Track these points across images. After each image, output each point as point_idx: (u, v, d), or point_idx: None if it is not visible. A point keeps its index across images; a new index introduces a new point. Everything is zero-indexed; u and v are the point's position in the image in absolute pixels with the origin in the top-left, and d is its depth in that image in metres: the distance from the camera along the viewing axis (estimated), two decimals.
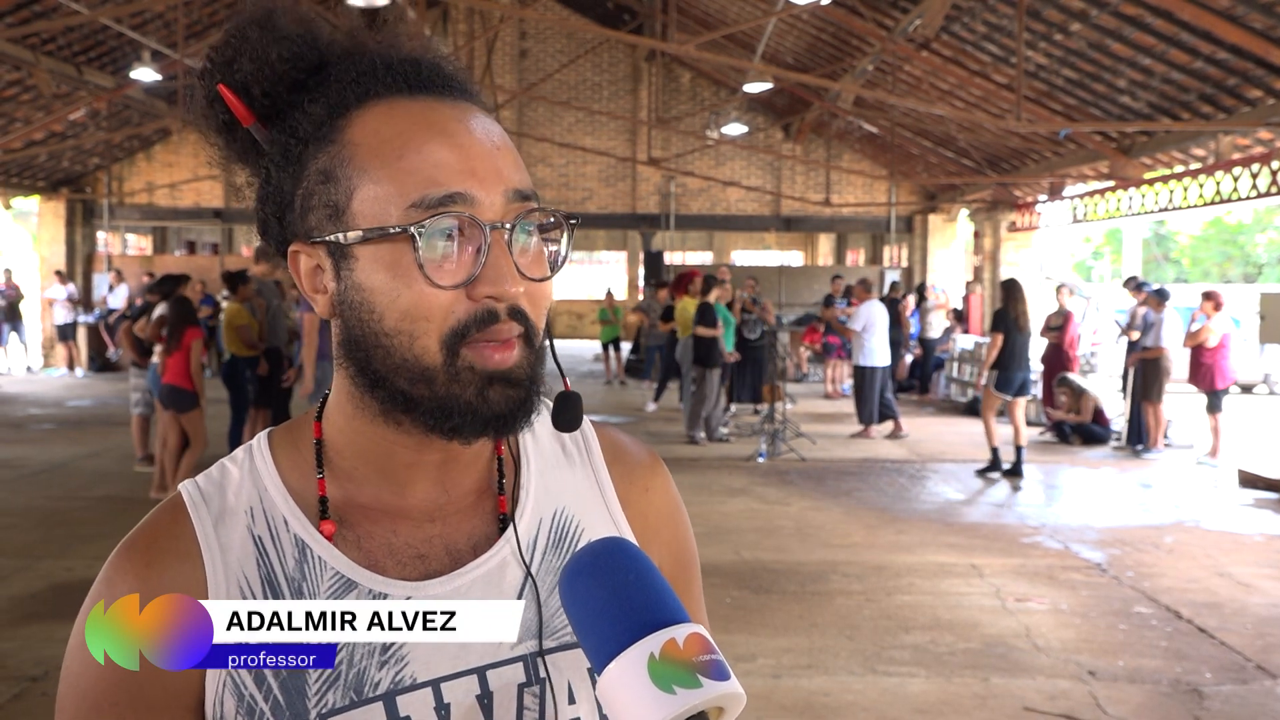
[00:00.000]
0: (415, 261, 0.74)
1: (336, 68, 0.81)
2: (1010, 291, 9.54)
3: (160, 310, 8.26)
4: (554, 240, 0.82)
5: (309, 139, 0.79)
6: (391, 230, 0.75)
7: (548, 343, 0.82)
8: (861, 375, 11.40)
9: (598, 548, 0.72)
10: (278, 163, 0.80)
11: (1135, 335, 10.99)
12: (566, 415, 0.84)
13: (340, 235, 0.77)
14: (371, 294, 0.77)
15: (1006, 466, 9.40)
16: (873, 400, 11.40)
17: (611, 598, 0.69)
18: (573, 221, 0.82)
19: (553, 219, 0.81)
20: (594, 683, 0.68)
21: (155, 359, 8.29)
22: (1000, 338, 9.32)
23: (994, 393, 9.38)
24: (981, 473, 9.48)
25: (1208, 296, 10.53)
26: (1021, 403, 9.42)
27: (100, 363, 17.70)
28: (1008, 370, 9.33)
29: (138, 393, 8.98)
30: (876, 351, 11.30)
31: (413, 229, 0.74)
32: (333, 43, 0.82)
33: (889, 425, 11.65)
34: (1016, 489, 8.97)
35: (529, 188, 0.79)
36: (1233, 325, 10.55)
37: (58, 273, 18.01)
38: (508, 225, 0.76)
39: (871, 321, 11.30)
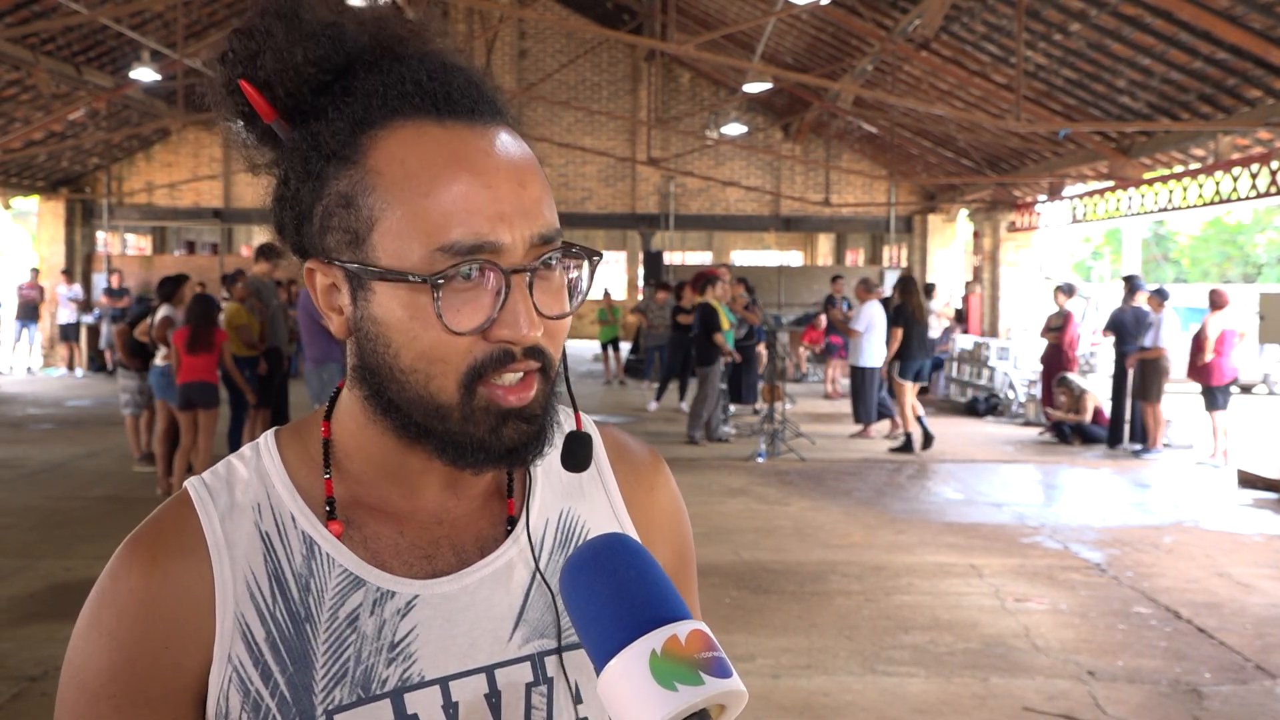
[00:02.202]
0: (434, 310, 0.74)
1: (363, 77, 0.78)
2: (906, 287, 10.70)
3: (164, 312, 8.26)
4: (575, 266, 0.81)
5: (331, 155, 0.77)
6: (411, 278, 0.74)
7: (562, 371, 0.82)
8: (860, 376, 11.39)
9: (599, 543, 0.72)
10: (298, 172, 0.78)
11: (1110, 335, 11.33)
12: (576, 457, 0.84)
13: (357, 266, 0.76)
14: (388, 329, 0.76)
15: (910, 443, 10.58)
16: (872, 400, 11.42)
17: (613, 593, 0.68)
18: (596, 258, 0.81)
19: (575, 250, 0.80)
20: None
21: (159, 361, 8.29)
22: (900, 331, 10.51)
23: (900, 380, 10.65)
24: (897, 450, 10.59)
25: (1210, 295, 10.56)
26: (915, 388, 10.77)
27: (99, 363, 17.74)
28: (911, 359, 10.54)
29: (126, 393, 8.98)
30: (874, 352, 11.32)
31: (431, 280, 0.73)
32: (360, 43, 0.79)
33: (886, 424, 11.66)
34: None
35: (554, 228, 0.78)
36: (1234, 323, 10.58)
37: (65, 272, 18.08)
38: (529, 269, 0.75)
39: (872, 322, 11.33)
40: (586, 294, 0.82)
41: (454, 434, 0.77)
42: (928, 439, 10.65)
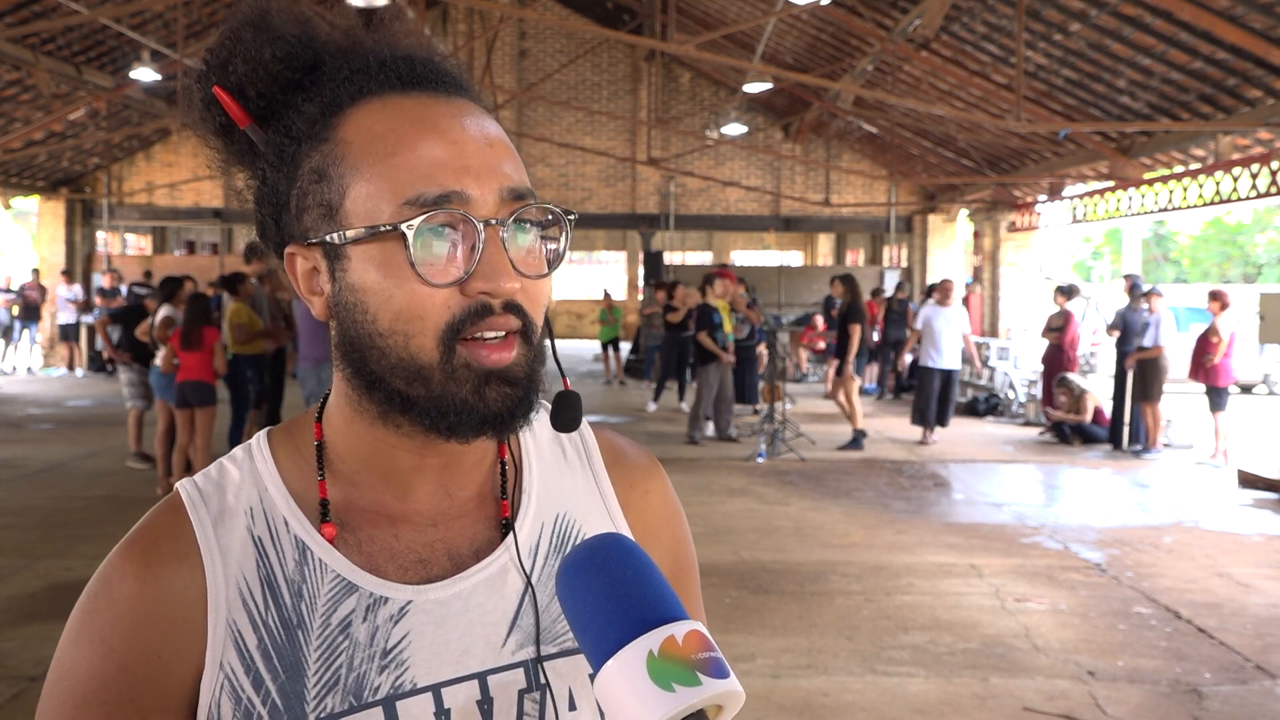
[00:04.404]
0: (407, 260, 0.73)
1: (330, 66, 0.80)
2: (853, 286, 10.99)
3: (164, 312, 8.27)
4: (552, 238, 0.81)
5: (303, 138, 0.78)
6: (382, 229, 0.74)
7: (547, 340, 0.81)
8: (921, 376, 11.18)
9: (594, 544, 0.71)
10: (273, 163, 0.79)
11: (1115, 334, 11.27)
12: (565, 415, 0.83)
13: (333, 235, 0.76)
14: (365, 294, 0.76)
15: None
16: (929, 403, 11.14)
17: (609, 594, 0.68)
18: (570, 217, 0.81)
19: (550, 215, 0.79)
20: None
21: (158, 361, 8.30)
22: (858, 328, 10.71)
23: (855, 376, 10.81)
24: (846, 447, 10.66)
25: (1214, 296, 10.53)
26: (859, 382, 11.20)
27: (99, 363, 17.76)
28: (861, 355, 10.84)
29: (128, 387, 9.00)
30: (931, 353, 11.09)
31: (403, 227, 0.73)
32: (328, 42, 0.81)
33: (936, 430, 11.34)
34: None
35: (525, 185, 0.78)
36: (1237, 324, 10.57)
37: (64, 273, 18.10)
38: (503, 222, 0.75)
39: (930, 323, 11.07)
40: (563, 258, 0.81)
41: (436, 397, 0.76)
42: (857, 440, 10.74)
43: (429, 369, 0.75)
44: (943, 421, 11.28)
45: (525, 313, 0.77)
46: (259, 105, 0.80)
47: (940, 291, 11.31)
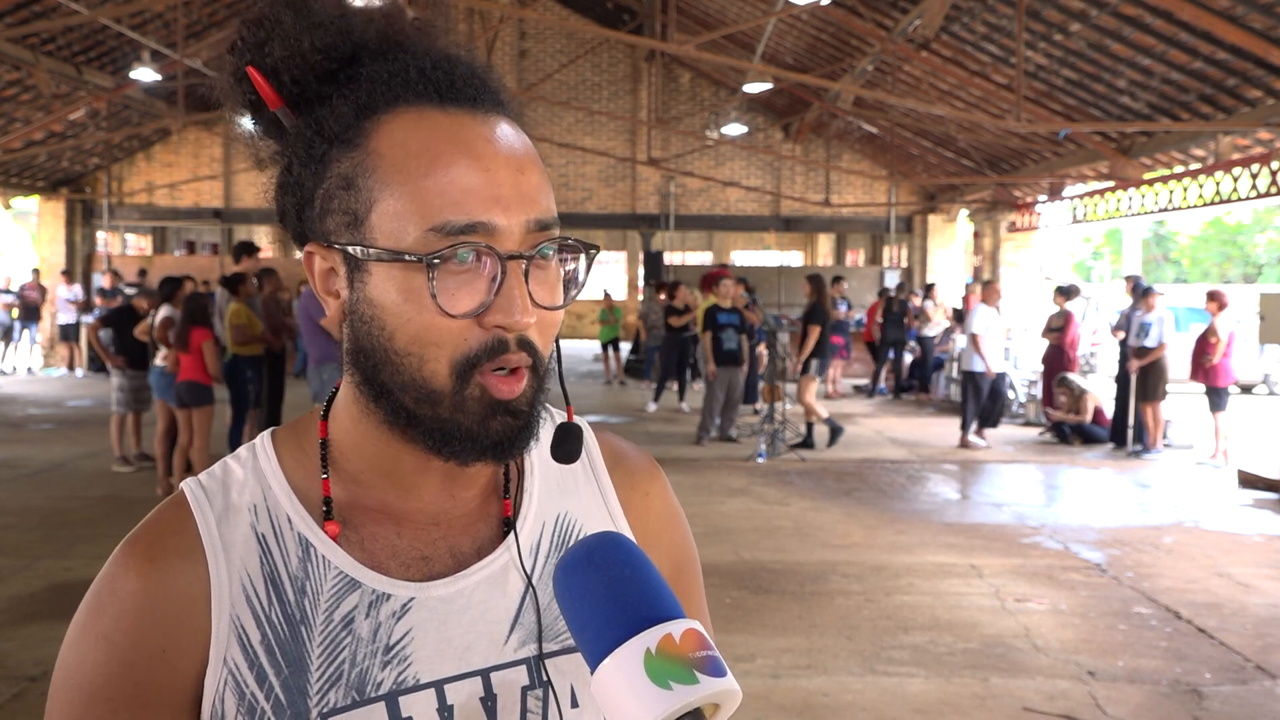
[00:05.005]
0: (428, 290, 0.74)
1: (369, 65, 0.79)
2: (820, 286, 10.98)
3: (164, 312, 8.27)
4: (572, 259, 0.81)
5: (334, 139, 0.77)
6: (407, 258, 0.74)
7: (555, 366, 0.82)
8: (970, 380, 11.02)
9: (592, 542, 0.72)
10: (301, 158, 0.79)
11: (1121, 335, 11.24)
12: (566, 448, 0.84)
13: (355, 249, 0.76)
14: (383, 311, 0.76)
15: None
16: (977, 407, 11.01)
17: (607, 592, 0.68)
18: (593, 251, 0.81)
19: (571, 241, 0.80)
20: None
21: (159, 361, 8.32)
22: (818, 330, 10.68)
23: (815, 378, 10.90)
24: (830, 444, 10.67)
25: (1212, 296, 10.52)
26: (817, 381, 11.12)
27: (99, 363, 17.77)
28: (823, 356, 10.82)
29: (118, 391, 9.01)
30: (992, 356, 10.92)
31: (427, 260, 0.73)
32: (367, 33, 0.80)
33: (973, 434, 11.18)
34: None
35: (551, 215, 0.78)
36: (1236, 324, 10.57)
37: (64, 273, 18.11)
38: (525, 255, 0.76)
39: (987, 326, 10.90)
40: (583, 287, 0.82)
41: (443, 420, 0.77)
42: (811, 435, 10.80)
43: (440, 394, 0.76)
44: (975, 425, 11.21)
45: (536, 349, 0.78)
46: (292, 91, 0.79)
47: (991, 294, 11.11)
